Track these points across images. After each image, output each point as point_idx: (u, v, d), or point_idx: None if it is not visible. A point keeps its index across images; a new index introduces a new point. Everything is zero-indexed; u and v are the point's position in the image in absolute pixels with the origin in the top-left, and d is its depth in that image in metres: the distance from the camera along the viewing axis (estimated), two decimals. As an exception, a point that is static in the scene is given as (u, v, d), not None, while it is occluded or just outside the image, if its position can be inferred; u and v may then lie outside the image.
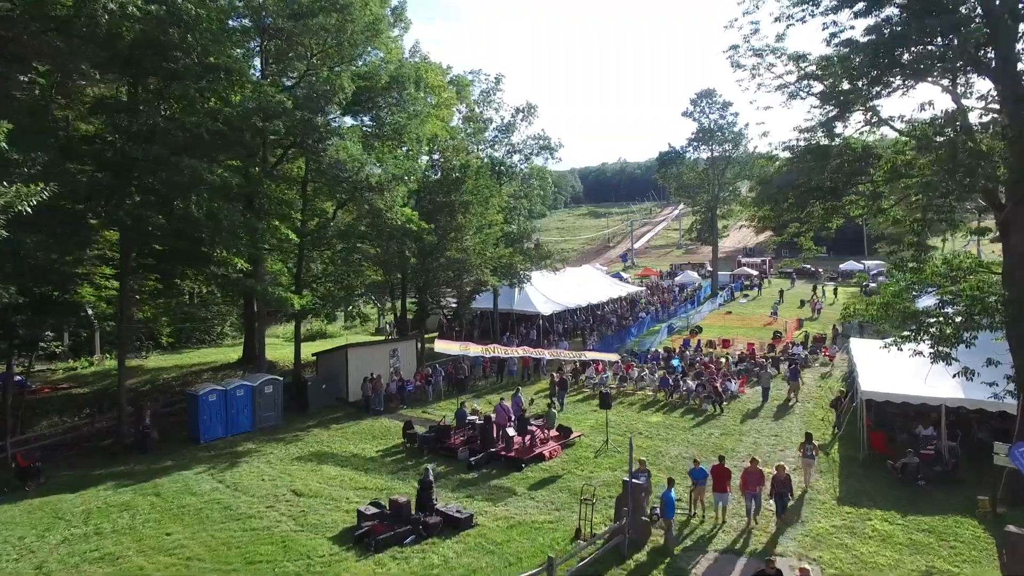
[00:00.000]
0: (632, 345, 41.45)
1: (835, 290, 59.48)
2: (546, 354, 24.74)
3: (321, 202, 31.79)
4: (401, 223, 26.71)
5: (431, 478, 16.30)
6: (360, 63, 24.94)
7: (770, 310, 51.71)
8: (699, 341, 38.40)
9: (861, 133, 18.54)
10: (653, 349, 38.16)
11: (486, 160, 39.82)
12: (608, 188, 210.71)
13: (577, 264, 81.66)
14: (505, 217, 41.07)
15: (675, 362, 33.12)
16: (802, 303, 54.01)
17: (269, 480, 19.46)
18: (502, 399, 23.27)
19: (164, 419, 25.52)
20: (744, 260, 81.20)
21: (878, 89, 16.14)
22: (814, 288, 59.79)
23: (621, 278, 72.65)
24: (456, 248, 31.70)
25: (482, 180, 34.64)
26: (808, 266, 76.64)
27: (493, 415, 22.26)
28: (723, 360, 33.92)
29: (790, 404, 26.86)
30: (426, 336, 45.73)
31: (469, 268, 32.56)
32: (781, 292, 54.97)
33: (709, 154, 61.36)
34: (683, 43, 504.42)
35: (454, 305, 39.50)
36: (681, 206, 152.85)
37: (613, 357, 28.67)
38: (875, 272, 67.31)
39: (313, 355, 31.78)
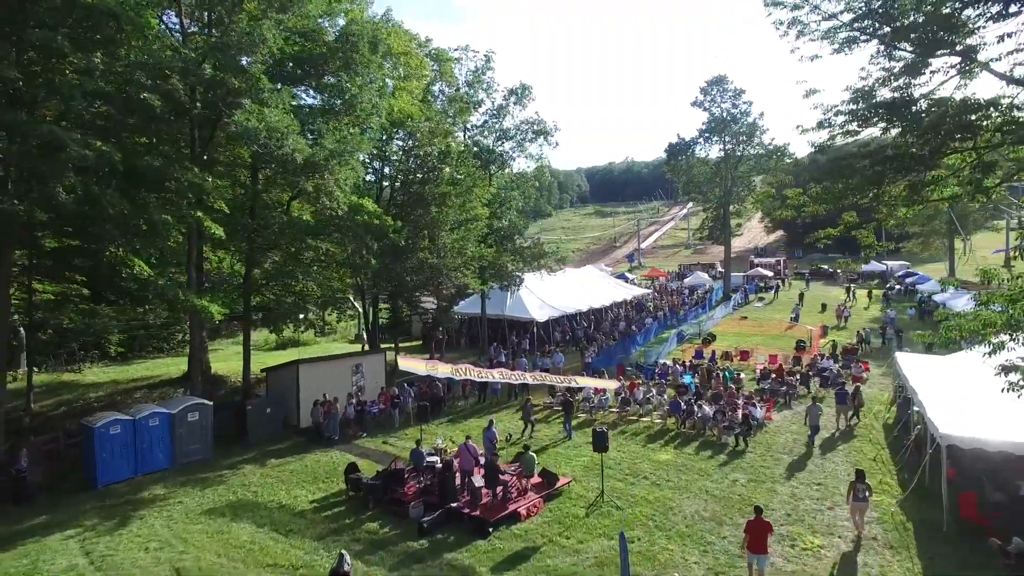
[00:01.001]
0: (637, 356, 36.43)
1: (869, 293, 54.14)
2: (528, 378, 19.72)
3: (277, 193, 26.91)
4: (344, 212, 21.79)
5: (345, 569, 11.38)
6: (298, 13, 20.02)
7: (790, 315, 46.51)
8: (713, 352, 33.29)
9: (942, 85, 13.53)
10: (661, 361, 33.13)
11: (471, 146, 34.90)
12: (615, 188, 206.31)
13: (581, 264, 76.86)
14: (494, 211, 36.18)
15: (687, 378, 28.11)
16: (823, 307, 48.74)
17: (153, 551, 14.58)
18: (468, 438, 18.34)
19: (64, 455, 20.70)
20: (757, 260, 75.83)
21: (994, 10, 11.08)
22: (847, 290, 54.46)
23: (626, 279, 67.58)
24: (429, 247, 26.83)
25: (464, 168, 29.77)
26: (826, 267, 71.43)
27: (457, 459, 17.32)
28: (741, 377, 28.87)
29: (835, 436, 21.80)
30: (409, 345, 41.00)
31: (445, 270, 27.62)
32: (801, 295, 49.73)
33: (721, 146, 56.12)
34: (689, 42, 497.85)
35: (434, 311, 34.37)
36: (690, 205, 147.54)
37: (611, 384, 23.59)
38: (901, 274, 61.98)
39: (262, 371, 26.95)
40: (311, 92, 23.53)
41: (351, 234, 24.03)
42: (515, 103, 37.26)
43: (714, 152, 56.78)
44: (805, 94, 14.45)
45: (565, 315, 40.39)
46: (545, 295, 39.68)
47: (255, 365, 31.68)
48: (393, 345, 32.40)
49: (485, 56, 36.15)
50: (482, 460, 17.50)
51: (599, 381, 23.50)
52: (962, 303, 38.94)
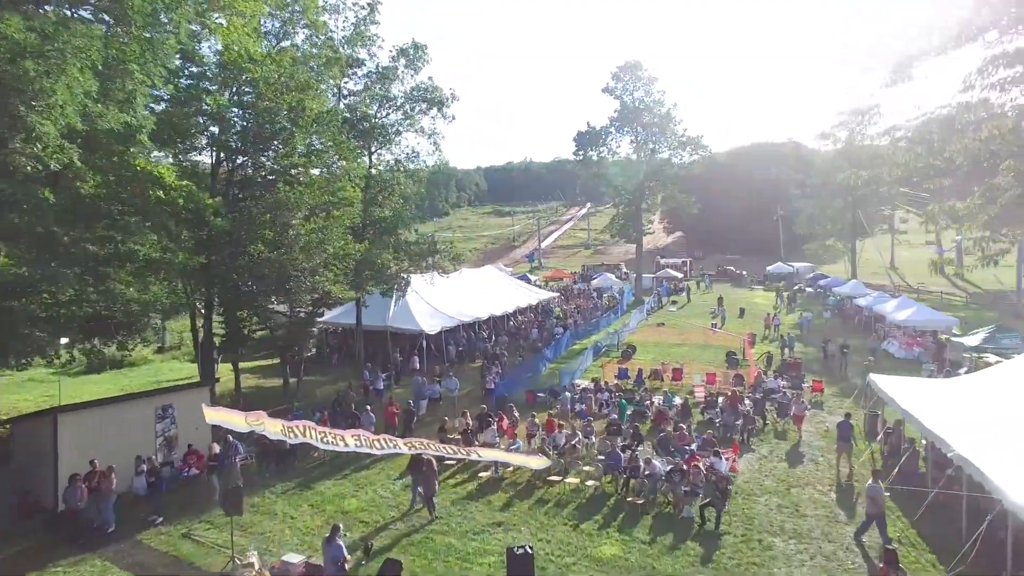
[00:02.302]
0: (547, 373, 29.95)
1: (792, 296, 50.56)
2: (401, 446, 12.30)
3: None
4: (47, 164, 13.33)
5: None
6: None
7: (711, 321, 41.84)
8: (640, 371, 27.25)
9: None
10: (578, 382, 26.78)
11: (342, 111, 27.07)
12: (513, 187, 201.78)
13: (480, 265, 70.30)
14: (373, 197, 28.50)
15: (622, 408, 21.81)
16: (742, 312, 44.58)
17: None
18: (309, 558, 10.88)
19: None
20: (664, 261, 71.95)
21: None
22: (781, 295, 50.56)
23: (528, 280, 61.51)
24: (274, 239, 18.93)
25: (328, 134, 22.01)
26: (732, 268, 68.53)
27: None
28: (685, 404, 22.98)
29: (841, 488, 16.08)
30: (258, 365, 32.34)
31: (295, 271, 19.69)
32: (720, 299, 45.25)
33: (633, 137, 51.00)
34: (589, 44, 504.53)
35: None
36: (589, 205, 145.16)
37: (537, 463, 16.08)
38: (812, 276, 59.54)
39: (4, 425, 18.00)
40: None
41: (148, 213, 15.73)
42: (406, 66, 29.75)
43: (626, 145, 51.65)
44: None
45: (462, 324, 33.30)
46: (437, 301, 32.41)
47: (40, 397, 22.61)
48: (231, 367, 23.92)
49: (368, 4, 28.38)
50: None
51: (519, 457, 16.35)
52: (891, 308, 35.41)
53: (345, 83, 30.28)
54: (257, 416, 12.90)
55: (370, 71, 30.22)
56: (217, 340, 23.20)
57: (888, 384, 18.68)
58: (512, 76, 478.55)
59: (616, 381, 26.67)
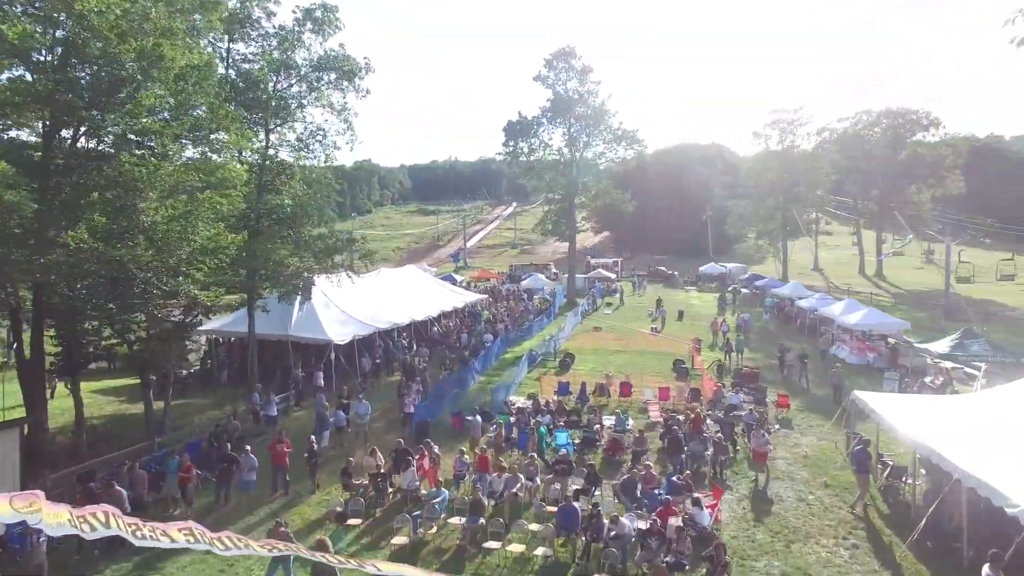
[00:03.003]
0: (476, 388, 25.81)
1: (730, 296, 48.34)
2: (255, 547, 7.95)
3: None
4: None
5: None
6: None
7: (650, 324, 38.85)
8: (583, 386, 23.46)
9: None
10: (513, 399, 22.82)
11: (231, 77, 22.01)
12: (438, 186, 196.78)
13: (402, 264, 65.37)
14: (272, 181, 23.53)
15: (560, 440, 17.90)
16: (681, 315, 41.90)
17: None
18: None
19: None
20: (596, 261, 69.08)
21: None
22: (724, 298, 48.05)
23: (454, 281, 57.28)
24: (103, 228, 13.83)
25: (200, 95, 17.00)
26: (664, 268, 66.48)
27: None
28: (628, 424, 19.43)
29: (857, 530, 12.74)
30: (112, 385, 26.51)
31: (142, 270, 14.58)
32: (659, 300, 42.39)
33: (566, 129, 47.48)
34: (511, 46, 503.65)
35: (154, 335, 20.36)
36: (515, 204, 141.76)
37: None
38: (747, 276, 57.91)
39: None
40: None
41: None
42: (313, 30, 24.84)
43: (558, 138, 48.05)
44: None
45: (378, 332, 28.62)
46: (350, 306, 27.62)
47: None
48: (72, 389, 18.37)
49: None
50: None
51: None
52: (839, 311, 33.35)
53: (235, 46, 25.24)
54: (29, 499, 8.06)
55: (267, 31, 25.24)
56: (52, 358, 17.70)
57: (880, 404, 15.67)
58: (437, 74, 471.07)
59: (557, 398, 22.81)
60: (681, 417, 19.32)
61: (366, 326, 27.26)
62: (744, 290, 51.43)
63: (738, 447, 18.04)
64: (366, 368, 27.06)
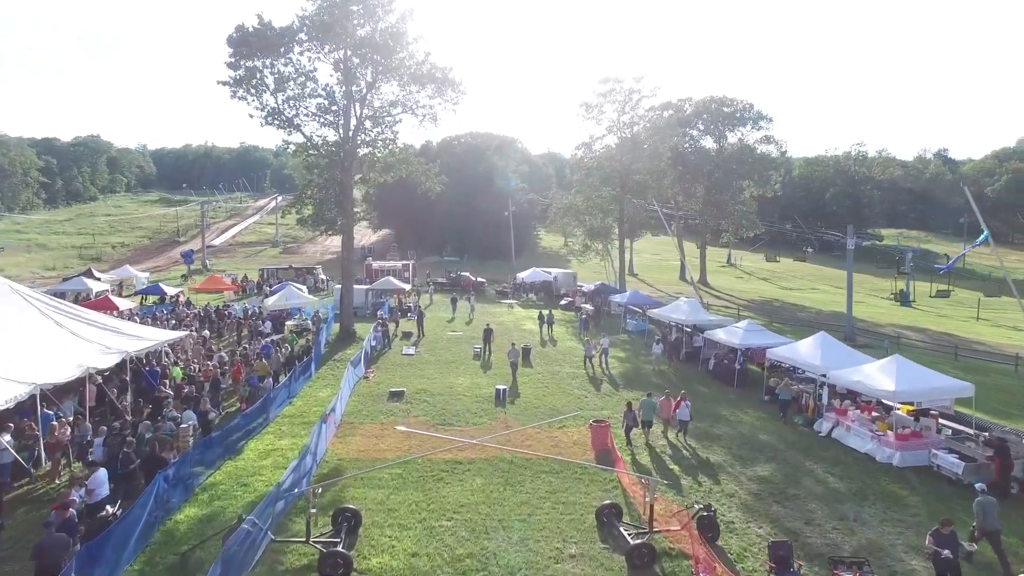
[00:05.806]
0: None
1: (593, 315, 33.24)
2: None
3: None
4: None
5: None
6: None
7: (478, 372, 22.06)
8: None
9: None
10: None
11: None
12: (189, 174, 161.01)
13: (118, 266, 41.93)
14: None
15: None
16: (527, 352, 25.64)
17: None
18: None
19: None
20: (379, 265, 50.16)
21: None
22: (582, 320, 32.15)
23: (160, 294, 35.20)
24: None
25: None
26: (466, 273, 50.05)
27: None
28: None
29: None
30: None
31: None
32: (489, 330, 25.76)
33: (340, 55, 28.52)
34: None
35: None
36: (280, 198, 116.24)
37: None
38: (597, 288, 43.10)
39: None
40: None
41: None
42: None
43: (325, 71, 28.90)
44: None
45: None
46: None
47: None
48: None
49: None
50: None
51: None
52: (809, 350, 19.85)
53: None
54: None
55: None
56: None
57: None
58: (196, 52, 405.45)
59: None
60: None
61: None
62: (586, 305, 36.75)
63: None
64: None
